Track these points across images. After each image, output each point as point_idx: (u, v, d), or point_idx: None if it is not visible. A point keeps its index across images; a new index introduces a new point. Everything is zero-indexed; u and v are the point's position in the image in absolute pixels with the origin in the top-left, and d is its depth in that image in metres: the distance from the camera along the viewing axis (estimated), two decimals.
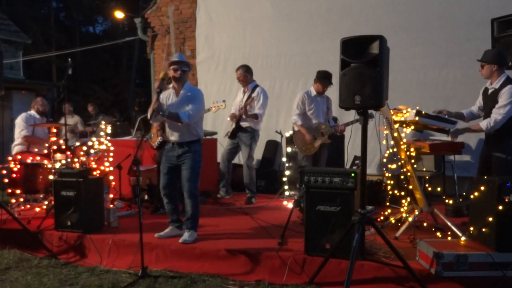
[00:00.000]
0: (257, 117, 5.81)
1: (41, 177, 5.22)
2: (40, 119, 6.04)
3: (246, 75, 5.94)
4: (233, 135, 5.99)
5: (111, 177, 5.73)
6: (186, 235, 4.00)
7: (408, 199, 4.23)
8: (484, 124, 3.98)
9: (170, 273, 3.65)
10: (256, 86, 5.96)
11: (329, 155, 5.58)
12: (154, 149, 5.42)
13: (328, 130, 5.32)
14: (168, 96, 4.18)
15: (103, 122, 6.85)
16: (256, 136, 5.96)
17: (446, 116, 4.16)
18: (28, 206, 5.34)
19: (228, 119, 6.10)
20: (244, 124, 5.89)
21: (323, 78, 5.36)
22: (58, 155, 5.20)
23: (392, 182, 4.41)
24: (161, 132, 5.08)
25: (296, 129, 5.54)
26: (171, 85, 4.22)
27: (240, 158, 6.32)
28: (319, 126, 5.35)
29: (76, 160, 5.32)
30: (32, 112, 6.03)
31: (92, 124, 8.74)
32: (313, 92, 5.44)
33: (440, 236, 3.88)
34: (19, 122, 5.87)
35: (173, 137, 4.14)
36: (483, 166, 4.16)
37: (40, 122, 5.99)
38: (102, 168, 5.54)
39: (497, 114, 3.90)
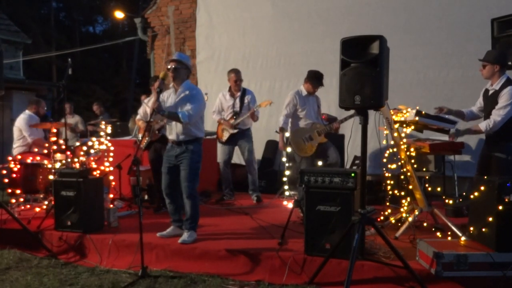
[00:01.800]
0: (258, 119, 5.88)
1: (41, 177, 5.23)
2: (39, 121, 6.07)
3: (242, 78, 5.96)
4: (231, 140, 5.93)
5: (111, 177, 5.73)
6: (185, 236, 3.99)
7: (408, 199, 4.22)
8: (483, 125, 3.98)
9: (170, 273, 3.65)
10: (245, 89, 5.97)
11: None
12: (143, 151, 5.42)
13: (323, 129, 5.21)
14: (169, 95, 4.19)
15: (103, 122, 6.85)
16: (251, 134, 6.05)
17: (447, 116, 4.15)
18: (28, 206, 5.34)
19: (224, 127, 5.94)
20: (244, 126, 5.90)
21: (314, 78, 5.24)
22: (58, 155, 5.20)
23: (392, 182, 4.41)
24: (148, 134, 5.07)
25: (288, 131, 5.38)
26: (171, 84, 4.22)
27: (238, 159, 6.30)
28: (314, 126, 5.24)
29: (76, 160, 5.32)
30: (31, 113, 6.05)
31: (97, 124, 8.70)
32: (304, 92, 5.31)
33: (440, 236, 3.88)
34: (23, 126, 5.89)
35: (171, 136, 4.13)
36: (483, 166, 4.15)
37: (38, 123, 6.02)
38: (102, 168, 5.54)
39: (497, 115, 3.90)
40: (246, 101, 5.89)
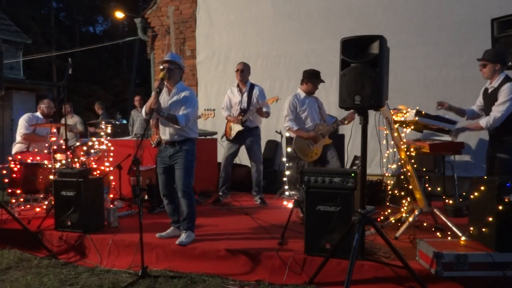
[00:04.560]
0: (269, 115, 5.70)
1: (41, 177, 5.22)
2: (44, 121, 5.98)
3: (248, 71, 5.80)
4: (238, 138, 5.73)
5: (111, 177, 5.73)
6: (183, 237, 3.97)
7: (408, 199, 4.23)
8: (484, 122, 3.98)
9: (170, 273, 3.65)
10: (253, 84, 5.79)
11: None
12: (153, 147, 5.40)
13: (327, 130, 5.08)
14: (162, 95, 4.11)
15: (103, 122, 6.85)
16: (260, 133, 5.87)
17: (447, 116, 4.16)
18: (28, 206, 5.34)
19: (232, 124, 5.73)
20: (252, 124, 5.70)
21: (312, 77, 5.15)
22: (58, 155, 5.19)
23: (392, 182, 4.41)
24: (158, 130, 5.03)
25: (290, 135, 5.27)
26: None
27: (238, 159, 6.25)
28: (317, 128, 5.12)
29: (76, 160, 5.32)
30: (37, 113, 6.03)
31: (98, 125, 8.69)
32: (302, 94, 5.22)
33: (440, 236, 3.89)
34: (20, 122, 5.87)
35: (165, 136, 4.12)
36: (490, 167, 4.14)
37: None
38: (102, 168, 5.53)
39: (496, 111, 3.91)
40: (254, 97, 5.67)
